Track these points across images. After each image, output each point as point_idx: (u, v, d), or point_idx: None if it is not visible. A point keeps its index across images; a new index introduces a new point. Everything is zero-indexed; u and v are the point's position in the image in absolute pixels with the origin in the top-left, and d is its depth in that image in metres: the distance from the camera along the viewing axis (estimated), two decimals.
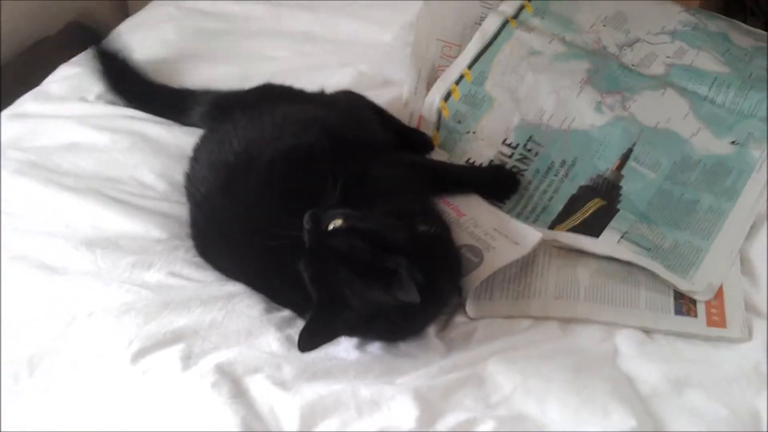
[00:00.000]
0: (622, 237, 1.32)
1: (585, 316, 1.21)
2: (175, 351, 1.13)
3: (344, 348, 1.16)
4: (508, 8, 1.62)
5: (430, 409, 1.06)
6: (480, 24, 1.62)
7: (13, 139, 1.50)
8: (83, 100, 1.59)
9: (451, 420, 1.05)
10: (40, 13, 1.90)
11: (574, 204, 1.39)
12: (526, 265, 1.28)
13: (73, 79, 1.63)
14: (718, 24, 1.64)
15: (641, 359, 1.15)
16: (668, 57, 1.55)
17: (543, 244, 1.28)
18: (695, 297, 1.23)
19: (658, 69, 1.54)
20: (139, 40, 1.73)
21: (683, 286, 1.25)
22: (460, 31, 1.63)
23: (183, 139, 1.46)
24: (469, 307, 1.22)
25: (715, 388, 1.10)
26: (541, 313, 1.22)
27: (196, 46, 1.74)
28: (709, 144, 1.43)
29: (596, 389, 1.09)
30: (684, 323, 1.20)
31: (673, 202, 1.38)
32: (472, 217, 1.31)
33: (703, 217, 1.35)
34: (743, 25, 1.70)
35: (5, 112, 1.58)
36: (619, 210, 1.37)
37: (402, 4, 1.77)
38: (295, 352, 1.11)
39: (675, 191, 1.39)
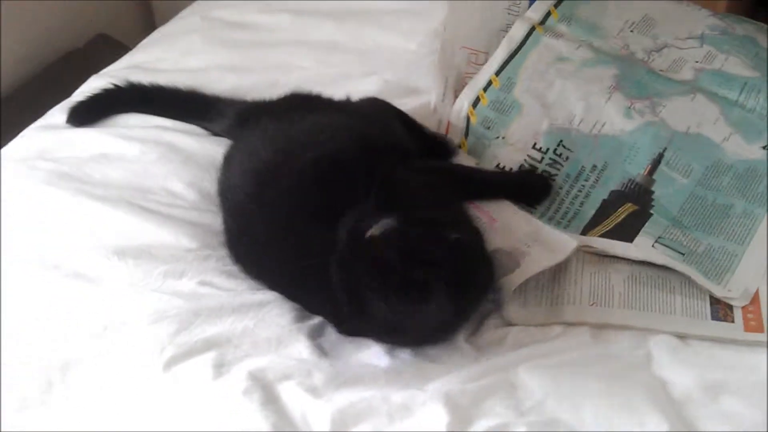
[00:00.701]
0: (656, 241, 1.30)
1: (621, 323, 1.19)
2: (208, 359, 1.13)
3: (375, 354, 1.15)
4: (535, 14, 1.60)
5: (461, 415, 1.05)
6: (506, 31, 1.61)
7: (43, 150, 1.50)
8: None
9: (482, 425, 1.04)
10: (68, 25, 1.93)
11: (605, 209, 1.37)
12: (558, 271, 1.26)
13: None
14: (746, 27, 1.62)
15: (676, 365, 1.13)
16: (697, 62, 1.53)
17: (576, 249, 1.26)
18: (732, 302, 1.21)
19: (687, 74, 1.52)
20: (167, 50, 1.75)
21: (719, 292, 1.23)
22: (486, 38, 1.62)
23: (212, 149, 1.46)
24: (505, 313, 1.21)
25: (752, 393, 1.07)
26: (577, 319, 1.20)
27: (223, 56, 1.74)
28: (740, 149, 1.41)
29: (630, 395, 1.07)
30: (721, 329, 1.18)
31: (706, 206, 1.36)
32: (505, 224, 1.30)
33: (736, 222, 1.33)
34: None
35: (35, 124, 1.59)
36: (651, 215, 1.35)
37: (426, 12, 1.77)
38: (326, 360, 1.13)
39: (708, 196, 1.36)
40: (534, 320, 1.21)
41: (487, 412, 1.06)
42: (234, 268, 1.28)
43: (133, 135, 1.51)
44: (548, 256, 1.24)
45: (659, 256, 1.27)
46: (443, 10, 1.70)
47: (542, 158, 1.44)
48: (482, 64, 1.58)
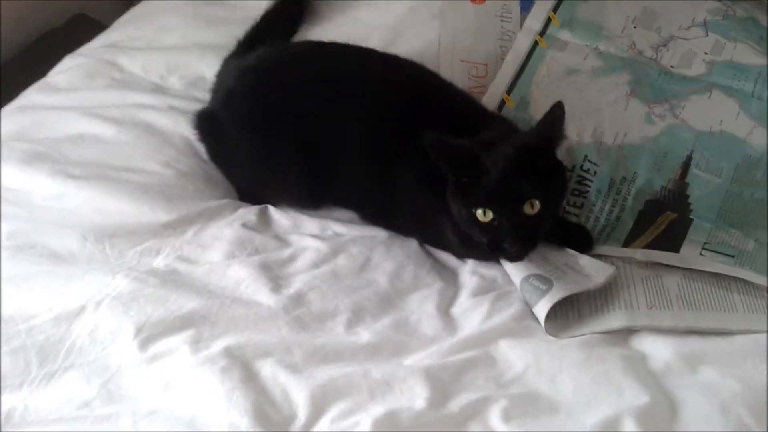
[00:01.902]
0: (702, 248, 1.30)
1: (686, 325, 1.15)
2: (184, 336, 1.12)
3: (354, 330, 1.16)
4: (535, 23, 1.53)
5: (441, 389, 1.05)
6: (502, 39, 1.56)
7: (19, 131, 1.49)
8: (88, 90, 1.58)
9: (462, 400, 1.05)
10: (46, 5, 1.91)
11: (644, 220, 1.35)
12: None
13: (78, 70, 1.63)
14: (744, 6, 1.57)
15: (654, 336, 1.14)
16: (706, 53, 1.49)
17: (622, 259, 1.26)
18: None
19: (699, 68, 1.47)
20: (142, 28, 1.74)
21: None
22: (483, 49, 1.56)
23: (189, 130, 1.46)
24: (552, 329, 1.16)
25: (729, 363, 1.09)
26: (635, 324, 1.16)
27: (200, 34, 1.70)
28: (765, 141, 1.38)
29: (609, 366, 1.08)
30: None
31: (744, 203, 1.34)
32: (542, 254, 1.27)
33: None
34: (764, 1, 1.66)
35: (12, 104, 1.57)
36: (692, 220, 1.34)
37: None
38: (305, 335, 1.13)
39: (744, 192, 1.35)
40: (589, 329, 1.16)
41: (468, 385, 1.06)
42: (210, 241, 1.29)
43: (109, 115, 1.50)
44: (585, 280, 1.21)
45: (709, 263, 1.26)
46: None
47: (570, 177, 1.38)
48: (483, 77, 1.53)
